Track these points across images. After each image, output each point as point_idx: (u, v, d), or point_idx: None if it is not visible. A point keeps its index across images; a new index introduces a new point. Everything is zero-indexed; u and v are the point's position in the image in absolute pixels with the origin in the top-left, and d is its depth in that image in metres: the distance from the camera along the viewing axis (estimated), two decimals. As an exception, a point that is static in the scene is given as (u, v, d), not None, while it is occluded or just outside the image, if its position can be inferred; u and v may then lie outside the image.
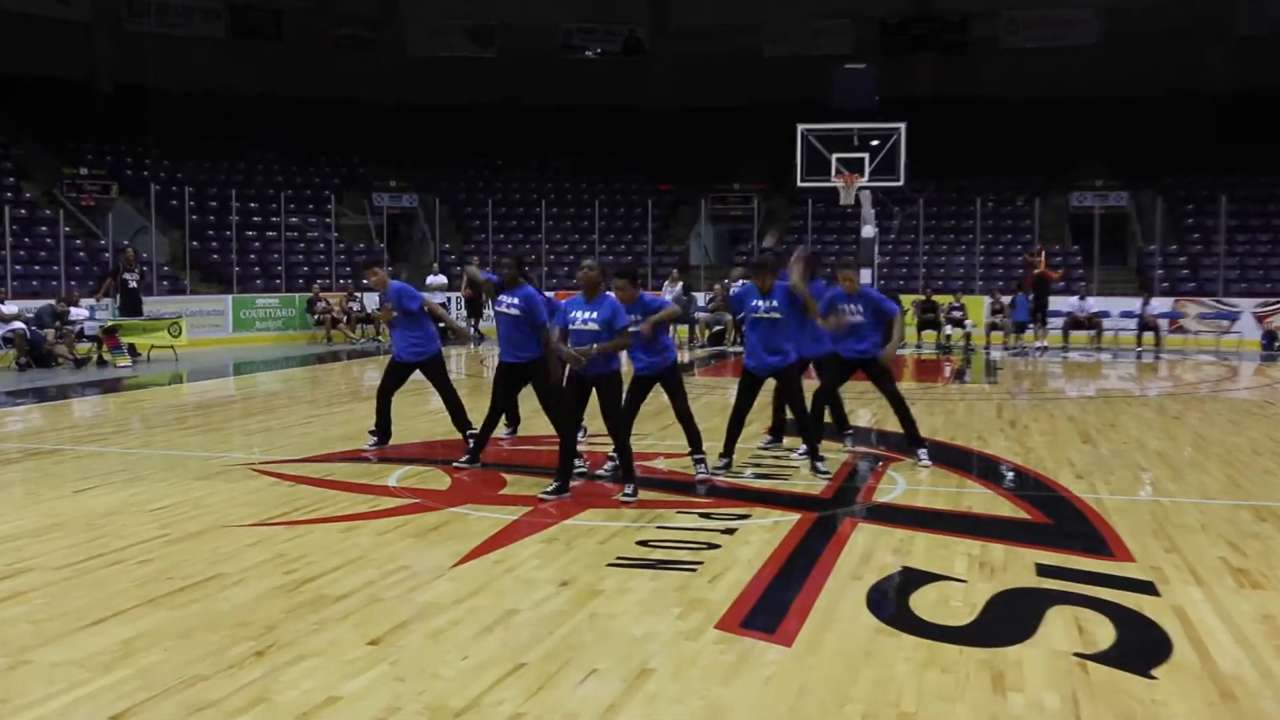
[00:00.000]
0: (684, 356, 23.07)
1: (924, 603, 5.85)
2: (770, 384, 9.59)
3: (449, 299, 27.75)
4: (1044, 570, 6.44)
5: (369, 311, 27.08)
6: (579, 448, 8.87)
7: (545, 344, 9.08)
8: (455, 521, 7.62)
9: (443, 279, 27.52)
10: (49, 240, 26.01)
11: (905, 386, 14.57)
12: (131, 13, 33.34)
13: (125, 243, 25.45)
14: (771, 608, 5.83)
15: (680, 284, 26.48)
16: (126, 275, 22.44)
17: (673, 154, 35.16)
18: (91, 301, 22.14)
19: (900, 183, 25.48)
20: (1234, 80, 32.57)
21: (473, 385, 17.52)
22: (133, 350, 20.66)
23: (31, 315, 20.16)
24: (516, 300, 9.25)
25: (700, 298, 27.10)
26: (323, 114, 34.67)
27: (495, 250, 31.62)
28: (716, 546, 6.93)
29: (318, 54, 34.83)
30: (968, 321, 25.61)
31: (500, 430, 10.54)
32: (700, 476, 8.96)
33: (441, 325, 10.79)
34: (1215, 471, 9.70)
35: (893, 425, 10.23)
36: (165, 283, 26.86)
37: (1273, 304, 25.90)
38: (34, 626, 5.41)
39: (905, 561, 6.65)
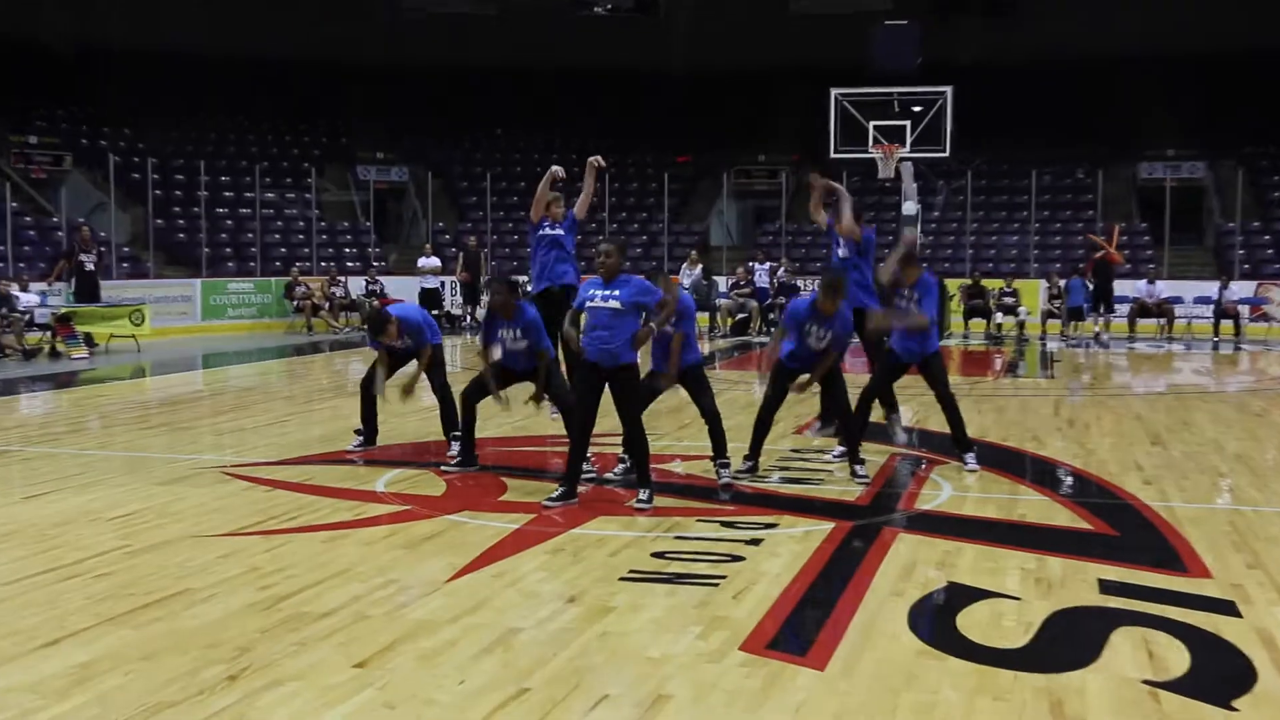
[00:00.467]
0: (704, 348, 23.05)
1: (973, 622, 5.83)
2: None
3: (443, 283, 27.80)
4: (1108, 587, 6.42)
5: (353, 297, 27.16)
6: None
7: (540, 359, 9.14)
8: (450, 530, 7.63)
9: (435, 262, 27.54)
10: (-6, 218, 26.14)
11: (950, 381, 14.52)
12: (89, -37, 33.49)
13: (81, 220, 25.55)
14: (802, 627, 5.82)
15: (699, 267, 26.51)
16: (83, 257, 22.48)
17: (692, 123, 35.16)
18: (43, 286, 22.21)
19: (945, 154, 25.44)
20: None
21: (469, 379, 17.55)
22: (89, 340, 20.74)
23: (-25, 302, 20.26)
24: (518, 331, 9.21)
25: (721, 282, 27.11)
26: (303, 77, 34.69)
27: (495, 230, 31.69)
28: (740, 559, 6.93)
29: (297, 10, 34.86)
30: (1021, 308, 25.54)
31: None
32: (724, 481, 8.96)
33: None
34: (1301, 476, 9.66)
35: (937, 424, 10.20)
36: (126, 265, 26.97)
37: None
38: (-18, 646, 5.43)
39: (951, 576, 6.64)
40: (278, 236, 31.06)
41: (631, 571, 6.65)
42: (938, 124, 24.78)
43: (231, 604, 6.05)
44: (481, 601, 6.11)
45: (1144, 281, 25.95)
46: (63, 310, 20.91)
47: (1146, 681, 5.07)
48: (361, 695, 4.87)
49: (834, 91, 25.38)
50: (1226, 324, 24.49)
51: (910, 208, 25.50)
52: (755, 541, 7.34)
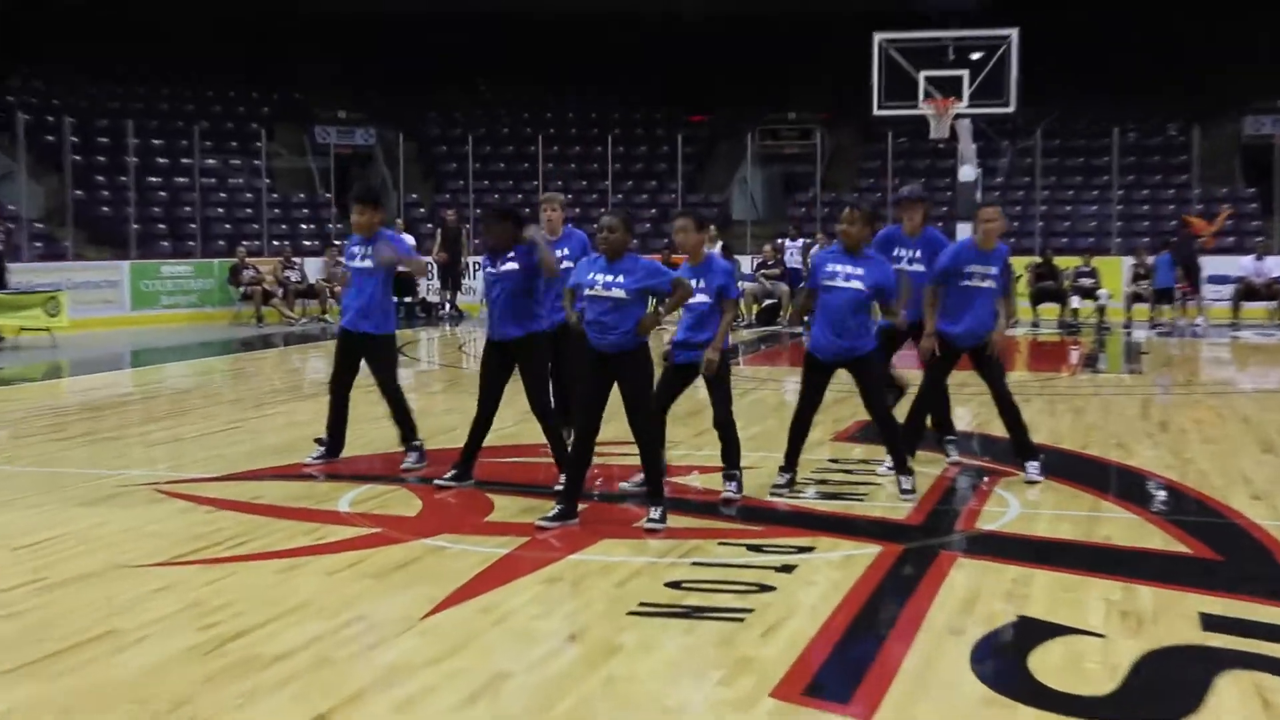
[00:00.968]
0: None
1: (1047, 664, 5.81)
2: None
3: (417, 265, 27.80)
4: (1211, 623, 6.39)
5: (311, 283, 27.18)
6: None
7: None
8: (428, 557, 7.62)
9: (409, 239, 27.55)
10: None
11: (1017, 378, 14.53)
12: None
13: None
14: (844, 670, 5.80)
15: (719, 245, 26.47)
16: (-13, 236, 22.57)
17: (709, 76, 35.16)
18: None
19: (1010, 108, 25.44)
20: None
21: (450, 377, 17.58)
22: (-5, 334, 20.81)
23: None
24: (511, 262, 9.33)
25: (745, 263, 27.11)
26: (250, 23, 34.77)
27: (478, 202, 31.72)
28: (770, 589, 6.92)
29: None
30: (1101, 291, 25.51)
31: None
32: (728, 495, 8.99)
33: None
34: None
35: (1001, 428, 10.16)
36: (39, 245, 27.04)
37: None
38: (-128, 698, 5.42)
39: (1021, 609, 6.62)
40: (221, 211, 31.14)
41: (642, 604, 6.63)
42: (1001, 73, 24.77)
43: (167, 648, 6.03)
44: (465, 641, 6.09)
45: (1250, 258, 25.91)
46: (-38, 300, 20.97)
47: (1257, 734, 5.05)
48: (322, 754, 4.86)
49: (877, 36, 25.38)
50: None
51: (968, 173, 25.52)
52: (788, 568, 7.33)
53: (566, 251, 10.25)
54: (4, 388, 16.72)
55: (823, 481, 9.77)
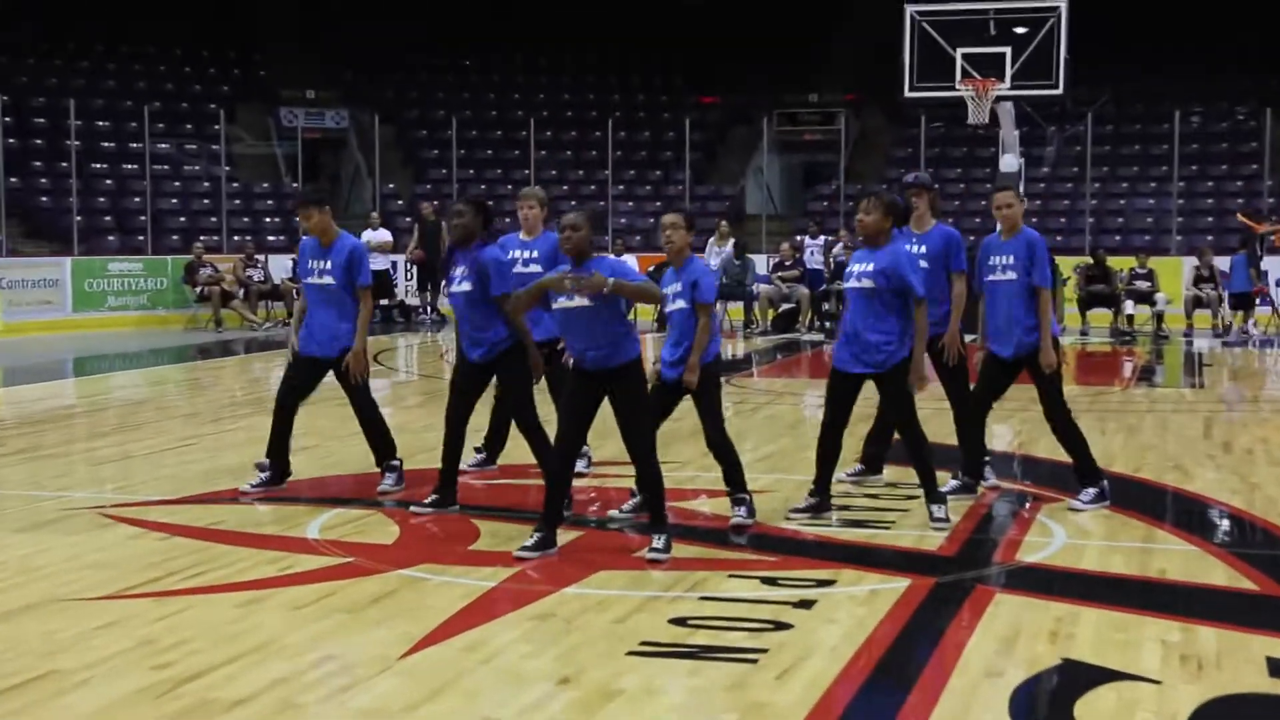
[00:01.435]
0: (739, 347, 23.09)
1: (1096, 713, 5.82)
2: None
3: (395, 264, 27.82)
4: None
5: (276, 283, 27.15)
6: (582, 479, 8.87)
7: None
8: (405, 590, 7.62)
9: (385, 235, 27.53)
10: None
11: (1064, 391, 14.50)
12: None
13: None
14: (868, 717, 5.82)
15: (731, 243, 26.48)
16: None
17: (721, 54, 35.15)
18: None
19: (1059, 90, 25.38)
20: None
21: (430, 388, 17.57)
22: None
23: None
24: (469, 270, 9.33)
25: (760, 262, 27.10)
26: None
27: (461, 193, 31.73)
28: (787, 626, 6.92)
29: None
30: (1159, 295, 25.49)
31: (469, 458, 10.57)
32: (738, 521, 9.01)
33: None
34: None
35: (1046, 449, 10.19)
36: (-29, 240, 27.03)
37: None
38: None
39: (1067, 651, 6.63)
40: (175, 202, 31.15)
41: (644, 644, 6.64)
42: (1048, 50, 24.73)
43: (115, 690, 6.04)
44: (447, 683, 6.11)
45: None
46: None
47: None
48: (288, 808, 4.89)
49: (909, 8, 25.38)
50: None
51: (1010, 163, 25.49)
52: (806, 604, 7.33)
53: (536, 254, 10.23)
54: (-68, 399, 16.74)
55: (845, 507, 9.76)
